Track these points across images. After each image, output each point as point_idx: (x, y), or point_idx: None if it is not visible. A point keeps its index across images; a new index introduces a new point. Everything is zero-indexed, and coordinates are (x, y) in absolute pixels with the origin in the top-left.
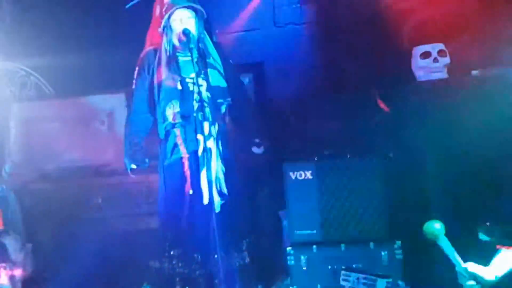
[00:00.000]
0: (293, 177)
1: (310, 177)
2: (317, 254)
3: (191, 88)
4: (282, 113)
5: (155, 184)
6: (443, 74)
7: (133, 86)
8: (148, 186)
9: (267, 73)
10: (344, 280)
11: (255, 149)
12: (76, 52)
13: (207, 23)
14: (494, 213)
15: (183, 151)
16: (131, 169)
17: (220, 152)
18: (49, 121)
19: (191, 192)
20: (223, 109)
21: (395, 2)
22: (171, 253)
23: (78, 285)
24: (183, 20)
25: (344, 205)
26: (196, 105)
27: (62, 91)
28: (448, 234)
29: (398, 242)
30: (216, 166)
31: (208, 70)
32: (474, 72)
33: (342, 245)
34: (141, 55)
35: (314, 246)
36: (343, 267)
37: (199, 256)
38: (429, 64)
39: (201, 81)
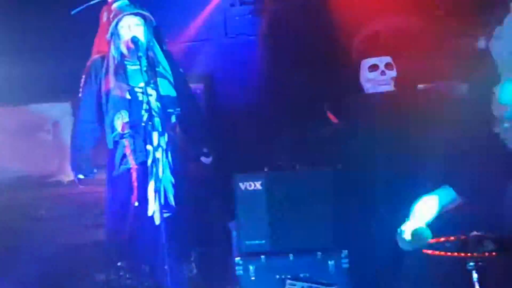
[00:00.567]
0: (243, 187)
1: (260, 187)
2: (265, 264)
3: (140, 98)
4: (232, 124)
5: (102, 195)
6: (390, 87)
7: (80, 95)
8: (94, 197)
9: (217, 83)
10: None
11: (203, 159)
12: (20, 60)
13: (157, 31)
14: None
15: (132, 162)
16: (79, 179)
17: (169, 163)
18: None
19: (136, 204)
20: (173, 119)
21: (344, 15)
22: (118, 264)
23: None
24: (132, 27)
25: (293, 216)
26: (145, 115)
27: (6, 100)
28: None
29: (345, 252)
30: (164, 177)
31: (158, 79)
32: (420, 86)
33: (291, 255)
34: (88, 63)
35: (263, 256)
36: (289, 276)
37: (147, 268)
38: (376, 76)
39: (150, 91)
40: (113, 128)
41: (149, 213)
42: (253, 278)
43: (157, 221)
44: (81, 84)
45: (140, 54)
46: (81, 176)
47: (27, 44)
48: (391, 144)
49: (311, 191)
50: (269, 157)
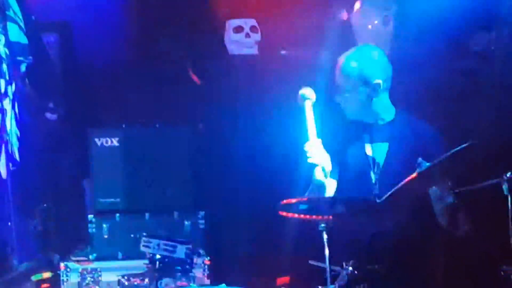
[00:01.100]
0: (99, 143)
1: (117, 144)
2: (120, 223)
3: None
4: (89, 78)
5: None
6: (254, 50)
7: None
8: None
9: (75, 34)
10: (145, 246)
11: (48, 115)
12: None
13: None
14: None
15: None
16: None
17: (16, 115)
18: None
19: None
20: (23, 68)
21: None
22: None
23: None
24: None
25: (150, 174)
26: None
27: None
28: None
29: (202, 213)
30: (10, 129)
31: (7, 23)
32: (283, 52)
33: (146, 214)
34: None
35: (117, 215)
36: (144, 234)
37: None
38: (241, 39)
39: None
40: None
41: None
42: (106, 237)
43: (4, 175)
44: None
45: None
46: None
47: None
48: (252, 107)
49: (170, 150)
50: (128, 114)
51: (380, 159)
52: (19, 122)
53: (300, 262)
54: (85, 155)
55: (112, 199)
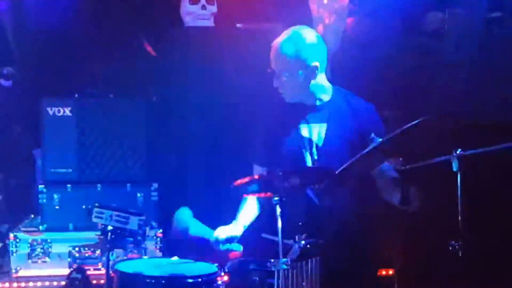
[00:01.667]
0: (51, 113)
1: (69, 114)
2: (71, 193)
3: None
4: (42, 45)
5: None
6: (210, 23)
7: None
8: None
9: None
10: (97, 217)
11: (2, 81)
12: None
13: None
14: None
15: None
16: None
17: None
18: None
19: None
20: None
21: None
22: None
23: None
24: None
25: (103, 145)
26: None
27: None
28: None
29: (155, 185)
30: None
31: None
32: (238, 25)
33: (98, 185)
34: None
35: (69, 185)
36: (96, 204)
37: None
38: (197, 10)
39: None
40: None
41: None
42: (57, 207)
43: None
44: None
45: None
46: None
47: None
48: (206, 80)
49: (124, 121)
50: (81, 84)
51: (319, 140)
52: None
53: (252, 235)
54: (37, 125)
55: (64, 170)
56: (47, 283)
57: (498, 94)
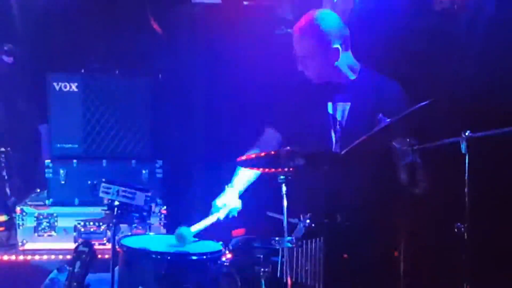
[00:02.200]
0: (57, 88)
1: (76, 89)
2: (77, 169)
3: None
4: (49, 21)
5: None
6: None
7: None
8: None
9: None
10: (104, 192)
11: (5, 58)
12: None
13: None
14: None
15: None
16: None
17: None
18: None
19: None
20: None
21: None
22: None
23: None
24: None
25: (109, 121)
26: None
27: None
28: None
29: (160, 162)
30: None
31: None
32: (245, 2)
33: (104, 160)
34: None
35: (75, 161)
36: (103, 180)
37: None
38: None
39: None
40: None
41: None
42: (63, 182)
43: None
44: None
45: None
46: None
47: None
48: (212, 57)
49: (130, 97)
50: (88, 60)
51: (342, 119)
52: None
53: (257, 213)
54: (43, 100)
55: (70, 145)
56: (53, 257)
57: (510, 76)
